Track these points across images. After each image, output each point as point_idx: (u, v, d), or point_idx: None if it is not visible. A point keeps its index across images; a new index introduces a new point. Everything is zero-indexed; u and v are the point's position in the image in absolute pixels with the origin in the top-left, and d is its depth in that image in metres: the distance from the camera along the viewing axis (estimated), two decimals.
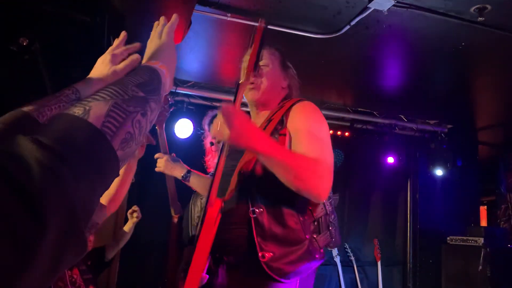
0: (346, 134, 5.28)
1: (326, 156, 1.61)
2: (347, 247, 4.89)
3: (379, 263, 4.77)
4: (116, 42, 1.44)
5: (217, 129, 1.43)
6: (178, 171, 2.27)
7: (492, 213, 6.64)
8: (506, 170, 5.86)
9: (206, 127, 3.00)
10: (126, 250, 4.16)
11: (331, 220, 1.80)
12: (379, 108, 5.11)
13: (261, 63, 1.86)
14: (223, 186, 1.64)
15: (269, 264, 1.57)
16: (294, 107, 1.77)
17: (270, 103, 1.89)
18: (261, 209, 1.63)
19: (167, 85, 0.94)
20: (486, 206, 7.13)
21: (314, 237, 1.71)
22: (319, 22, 3.01)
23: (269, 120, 1.78)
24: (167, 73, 0.92)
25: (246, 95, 1.90)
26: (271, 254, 1.58)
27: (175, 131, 4.43)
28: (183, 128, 4.47)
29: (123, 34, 1.46)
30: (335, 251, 4.73)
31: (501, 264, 4.42)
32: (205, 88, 4.57)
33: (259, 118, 1.91)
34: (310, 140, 1.64)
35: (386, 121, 5.26)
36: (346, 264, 4.74)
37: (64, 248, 0.51)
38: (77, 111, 0.63)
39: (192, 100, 4.63)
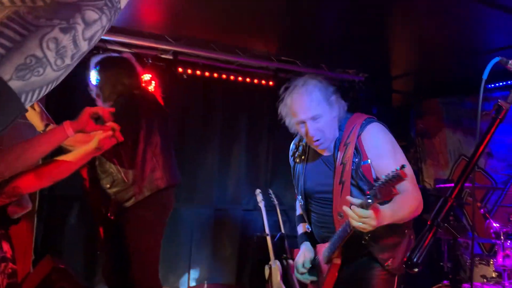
0: (271, 83, 5.31)
1: (409, 171, 1.80)
2: (271, 192, 5.04)
3: None
4: None
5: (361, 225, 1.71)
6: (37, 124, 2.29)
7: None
8: (416, 117, 6.30)
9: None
10: (43, 204, 3.96)
11: None
12: (302, 57, 5.17)
13: (315, 115, 2.02)
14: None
15: (394, 267, 1.97)
16: (364, 135, 2.01)
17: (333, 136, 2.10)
18: (370, 234, 1.92)
19: None
20: None
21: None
22: None
23: (344, 148, 2.03)
24: None
25: (315, 148, 2.14)
26: (391, 258, 1.97)
27: (91, 80, 4.16)
28: None
29: None
30: (259, 197, 4.87)
31: None
32: (123, 32, 4.29)
33: None
34: (395, 164, 1.81)
35: (309, 70, 5.35)
36: (270, 208, 4.90)
37: None
38: None
39: (109, 46, 4.35)
